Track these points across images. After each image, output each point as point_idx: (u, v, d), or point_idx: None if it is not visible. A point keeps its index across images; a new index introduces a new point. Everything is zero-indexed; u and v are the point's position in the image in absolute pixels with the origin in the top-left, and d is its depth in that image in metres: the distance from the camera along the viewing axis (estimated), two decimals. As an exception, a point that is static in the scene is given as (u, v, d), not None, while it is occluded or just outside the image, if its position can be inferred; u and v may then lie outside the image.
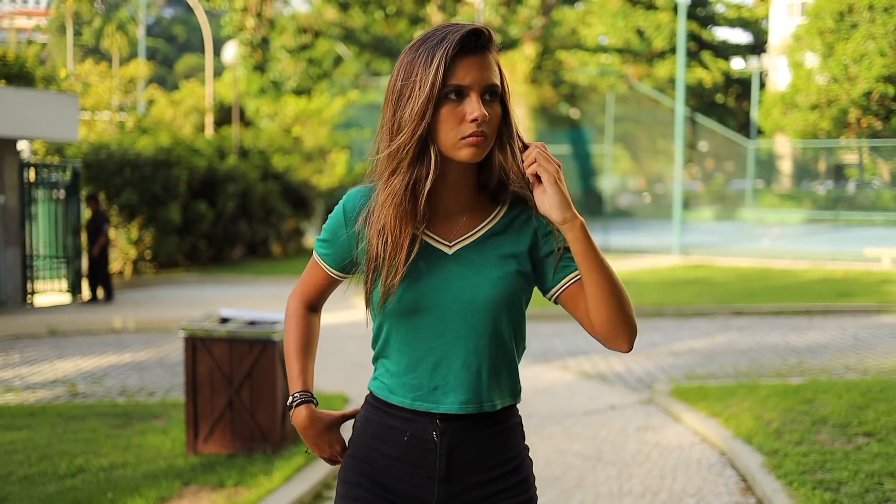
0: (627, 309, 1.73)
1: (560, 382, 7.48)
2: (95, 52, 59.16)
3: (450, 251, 1.82)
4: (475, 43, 1.73)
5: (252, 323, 5.38)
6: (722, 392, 6.59)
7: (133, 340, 10.02)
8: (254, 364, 5.07)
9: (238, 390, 5.11)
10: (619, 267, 17.02)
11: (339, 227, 1.89)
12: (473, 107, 1.70)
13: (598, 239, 20.67)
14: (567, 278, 1.82)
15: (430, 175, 1.73)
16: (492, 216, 1.85)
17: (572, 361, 8.38)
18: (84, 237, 13.66)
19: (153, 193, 16.33)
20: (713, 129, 28.54)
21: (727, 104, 45.83)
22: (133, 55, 54.11)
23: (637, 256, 19.49)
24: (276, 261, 19.53)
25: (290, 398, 1.91)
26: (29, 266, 12.95)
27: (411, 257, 1.78)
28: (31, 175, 13.20)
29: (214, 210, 17.81)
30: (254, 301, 12.64)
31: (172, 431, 5.63)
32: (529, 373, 7.84)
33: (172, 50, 67.75)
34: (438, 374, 1.80)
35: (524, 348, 1.88)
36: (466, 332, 1.79)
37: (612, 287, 1.71)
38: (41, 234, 13.49)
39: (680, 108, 19.80)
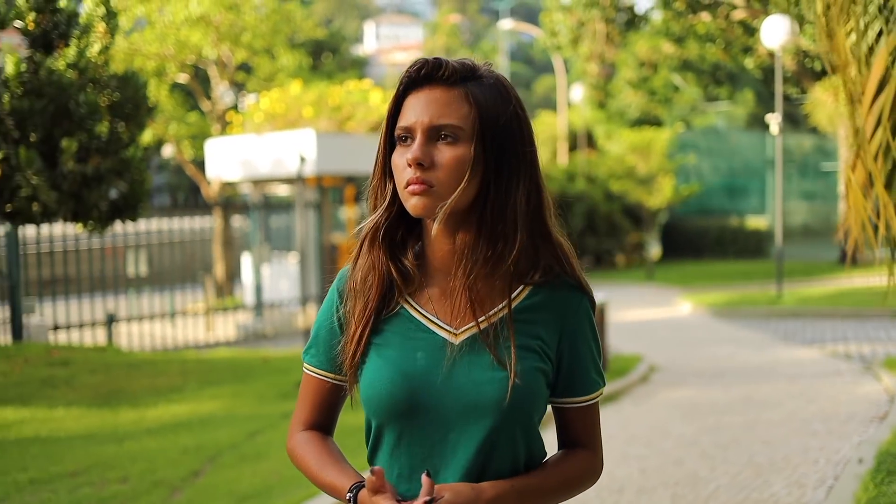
0: (575, 494, 1.65)
1: (809, 358, 10.23)
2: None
3: (455, 340, 1.57)
4: (424, 77, 1.56)
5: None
6: (922, 363, 9.09)
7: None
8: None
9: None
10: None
11: (329, 310, 1.68)
12: (411, 148, 1.54)
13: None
14: (572, 399, 1.65)
15: (384, 211, 1.60)
16: (514, 295, 1.59)
17: (830, 345, 11.01)
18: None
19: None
20: None
21: None
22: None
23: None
24: (618, 270, 23.13)
25: (348, 495, 1.55)
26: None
27: (375, 320, 1.61)
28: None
29: (565, 226, 21.70)
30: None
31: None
32: (788, 353, 10.69)
33: (531, 72, 73.57)
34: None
35: (543, 458, 1.65)
36: (469, 439, 1.54)
37: (560, 499, 1.63)
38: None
39: None
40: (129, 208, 9.68)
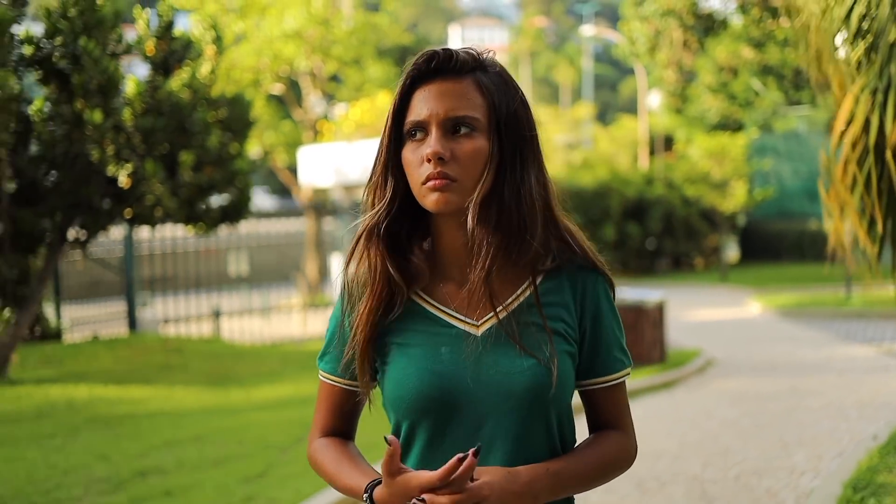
0: (611, 478, 1.66)
1: (863, 355, 10.92)
2: (545, 83, 67.43)
3: (477, 332, 1.59)
4: (435, 68, 1.55)
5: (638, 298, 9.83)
6: (967, 360, 9.76)
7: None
8: (635, 318, 9.52)
9: (628, 332, 9.61)
10: None
11: (339, 315, 1.69)
12: (427, 142, 1.52)
13: None
14: (598, 380, 1.65)
15: (383, 208, 1.58)
16: (527, 283, 1.61)
17: (888, 344, 11.64)
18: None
19: (592, 216, 21.54)
20: None
21: None
22: (580, 85, 61.11)
23: None
24: (696, 272, 23.80)
25: (364, 495, 1.56)
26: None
27: (386, 317, 1.61)
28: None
29: (643, 229, 22.52)
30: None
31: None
32: (844, 350, 11.41)
33: (617, 73, 73.91)
34: None
35: (574, 442, 1.66)
36: (505, 431, 1.56)
37: (596, 483, 1.63)
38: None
39: None
40: (235, 213, 10.94)
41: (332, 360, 1.70)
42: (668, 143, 27.92)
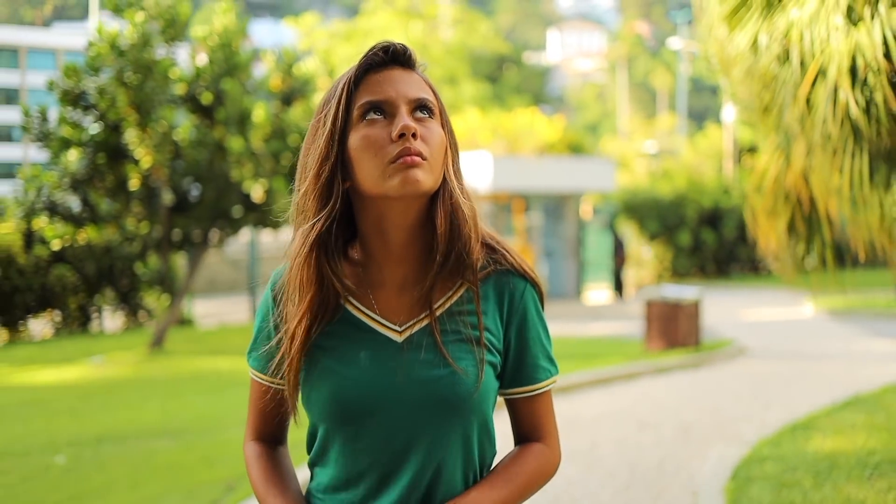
0: (535, 492, 1.67)
1: (883, 349, 12.74)
2: (643, 88, 69.00)
3: (399, 337, 1.60)
4: (390, 59, 1.58)
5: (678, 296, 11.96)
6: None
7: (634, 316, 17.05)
8: (673, 311, 11.66)
9: (667, 322, 11.75)
10: None
11: (266, 313, 1.69)
12: (398, 120, 1.51)
13: None
14: (522, 389, 1.67)
15: (331, 213, 1.53)
16: (454, 288, 1.62)
17: (912, 339, 13.50)
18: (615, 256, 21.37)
19: (669, 223, 23.55)
20: None
21: None
22: (675, 89, 62.53)
23: None
24: (773, 277, 25.56)
25: None
26: (581, 273, 20.85)
27: (319, 326, 1.59)
28: (585, 213, 21.04)
29: (718, 236, 24.41)
30: (726, 300, 19.01)
31: (632, 346, 12.39)
32: (868, 344, 13.27)
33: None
34: (384, 492, 1.57)
35: (494, 455, 1.69)
36: (419, 441, 1.57)
37: (524, 500, 1.65)
38: (590, 252, 21.39)
39: None
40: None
41: (262, 358, 1.69)
42: (739, 154, 29.69)
